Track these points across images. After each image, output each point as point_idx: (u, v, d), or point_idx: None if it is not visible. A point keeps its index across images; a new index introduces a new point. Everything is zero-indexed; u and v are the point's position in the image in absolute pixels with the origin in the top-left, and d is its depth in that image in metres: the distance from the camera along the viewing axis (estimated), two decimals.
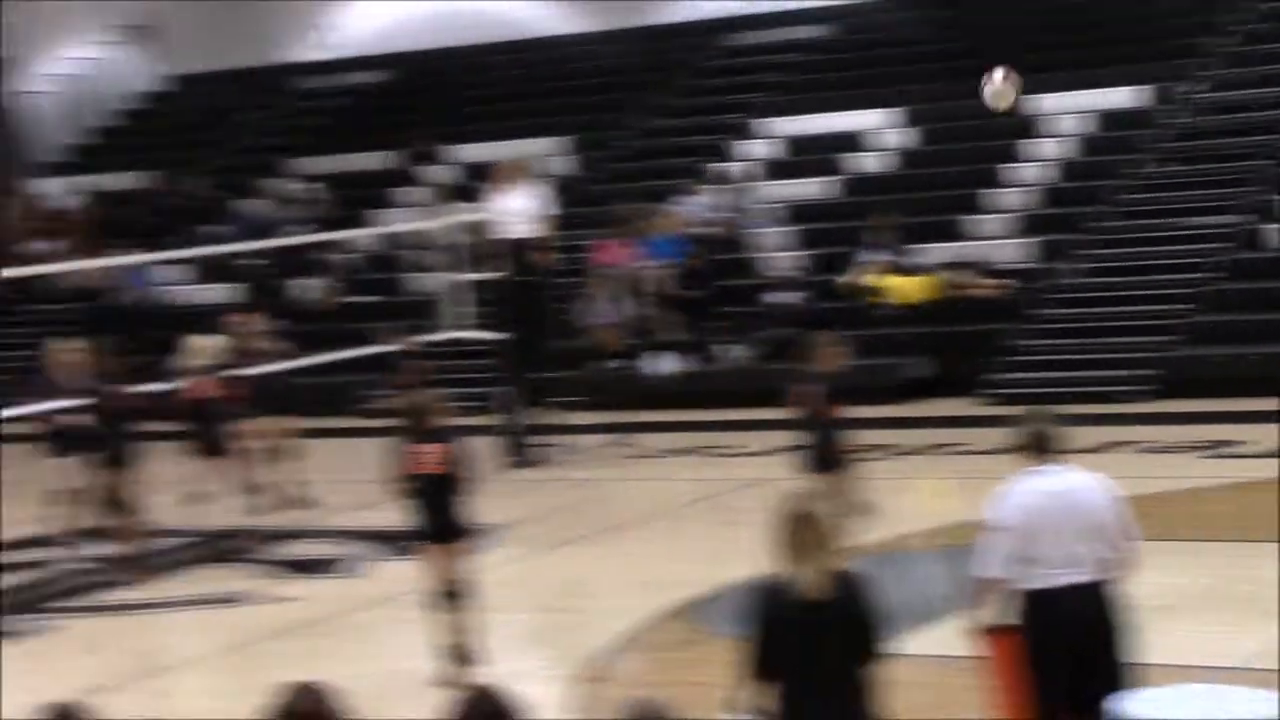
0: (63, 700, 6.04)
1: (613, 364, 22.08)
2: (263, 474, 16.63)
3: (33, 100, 32.61)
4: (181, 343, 16.40)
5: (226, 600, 13.53)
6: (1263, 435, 16.25)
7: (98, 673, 11.59)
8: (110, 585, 14.23)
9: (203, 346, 16.14)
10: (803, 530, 6.43)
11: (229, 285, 25.75)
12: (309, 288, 24.99)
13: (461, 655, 10.65)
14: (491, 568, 13.13)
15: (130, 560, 14.39)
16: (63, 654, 12.39)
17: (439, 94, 29.20)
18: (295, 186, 26.76)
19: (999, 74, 12.91)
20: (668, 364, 21.78)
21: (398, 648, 11.83)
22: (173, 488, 16.52)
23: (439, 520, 10.73)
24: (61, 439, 14.85)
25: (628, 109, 27.14)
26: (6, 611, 13.57)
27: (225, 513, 15.91)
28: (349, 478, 17.08)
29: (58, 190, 29.73)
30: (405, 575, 12.64)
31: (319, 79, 31.12)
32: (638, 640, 11.51)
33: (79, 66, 32.45)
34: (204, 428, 15.88)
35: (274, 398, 16.89)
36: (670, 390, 21.33)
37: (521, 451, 18.50)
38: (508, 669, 10.63)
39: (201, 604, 13.60)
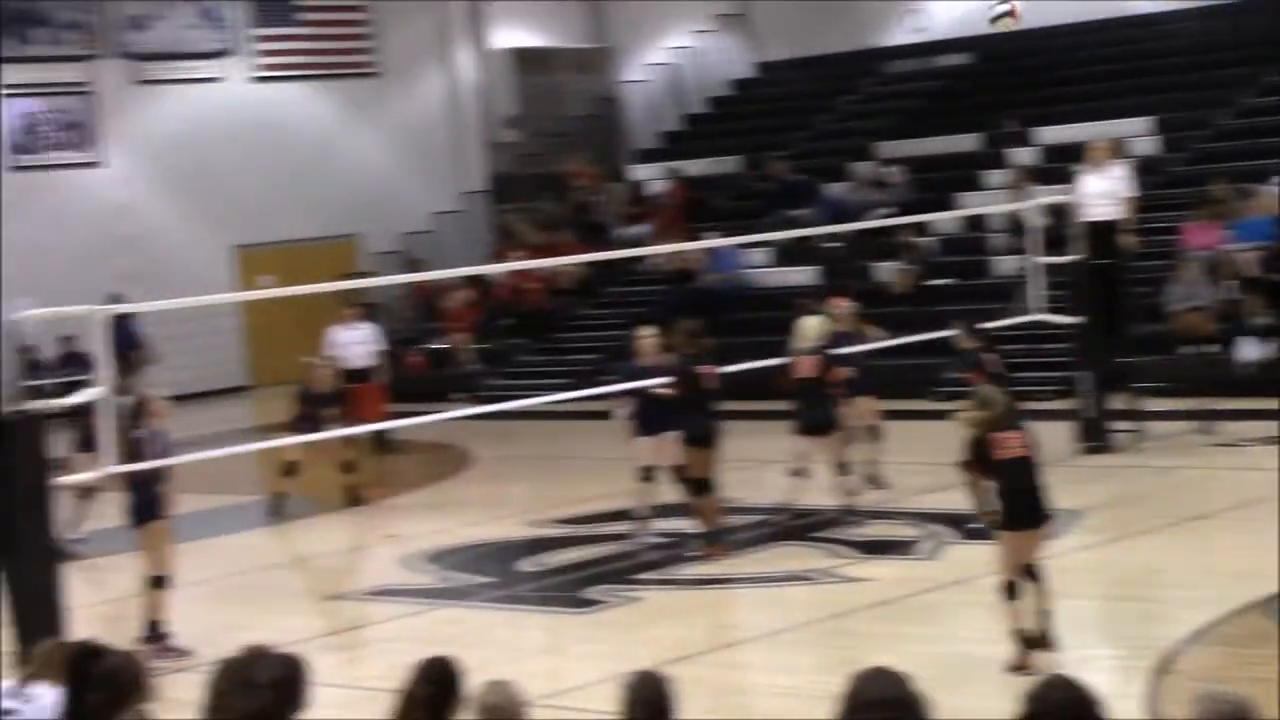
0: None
1: (1199, 349, 21.42)
2: (856, 454, 16.78)
3: (632, 89, 33.93)
4: (797, 324, 16.53)
5: (799, 578, 13.80)
6: None
7: (673, 644, 12.03)
8: (689, 560, 14.71)
9: (811, 327, 16.29)
10: None
11: (811, 268, 26.15)
12: (889, 270, 25.14)
13: (1035, 641, 10.58)
14: (1065, 553, 13.01)
15: (711, 536, 14.81)
16: (640, 624, 12.88)
17: (1022, 75, 28.95)
18: (882, 169, 26.95)
19: None
20: (1253, 350, 20.98)
21: (968, 631, 11.83)
22: (767, 465, 16.93)
23: (1022, 505, 10.68)
24: (648, 418, 15.41)
25: (1220, 87, 26.22)
26: (591, 582, 14.22)
27: (815, 491, 16.15)
28: (923, 460, 17.16)
29: (651, 175, 30.79)
30: (976, 559, 12.67)
31: (906, 63, 31.30)
32: (1211, 633, 11.19)
33: (675, 56, 33.57)
34: (808, 407, 16.00)
35: (866, 379, 17.08)
36: (1256, 377, 20.53)
37: (1099, 436, 18.17)
38: (1079, 656, 10.53)
39: (775, 581, 13.91)
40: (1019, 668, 10.34)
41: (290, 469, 18.29)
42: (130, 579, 13.85)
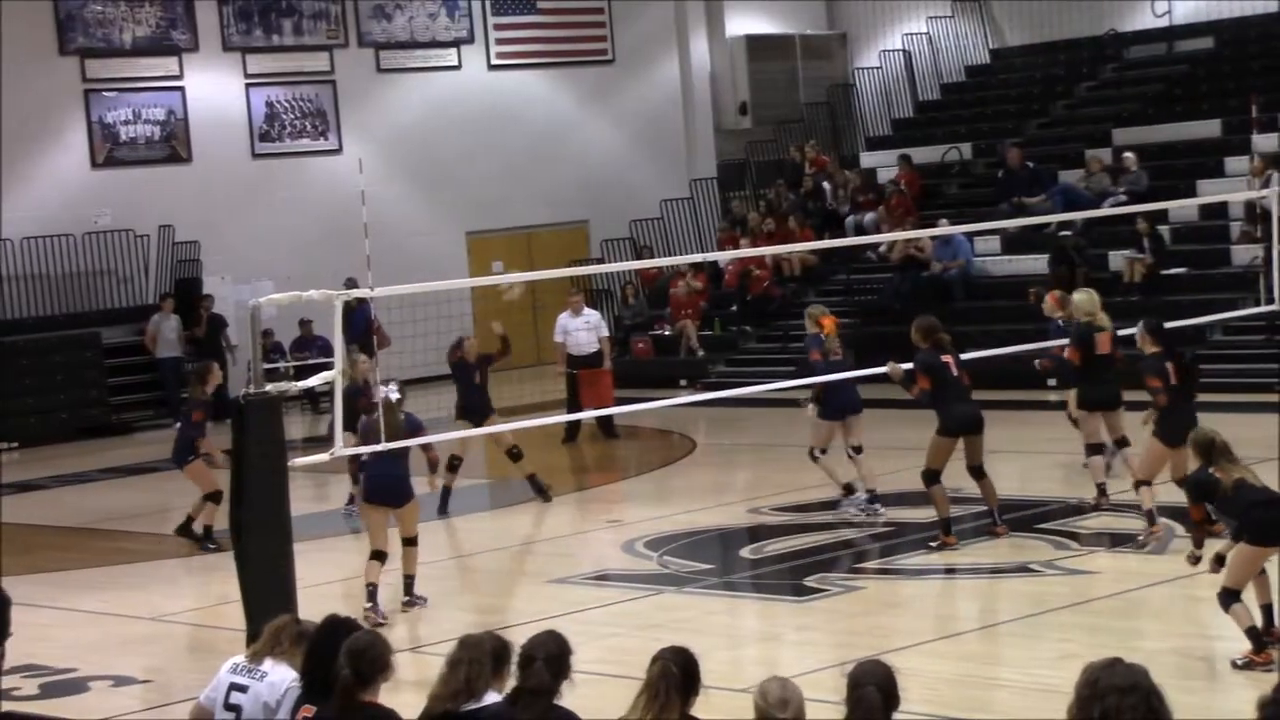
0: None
1: None
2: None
3: (866, 76, 33.76)
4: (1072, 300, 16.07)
5: (1022, 570, 13.66)
6: None
7: (891, 634, 12.01)
8: (913, 550, 14.65)
9: (1089, 301, 15.71)
10: None
11: (1042, 256, 25.80)
12: (1126, 259, 24.69)
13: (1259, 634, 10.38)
14: None
15: (939, 525, 14.69)
16: (859, 614, 12.86)
17: (1263, 60, 28.27)
18: (1127, 156, 26.47)
19: None
20: None
21: (1191, 627, 11.66)
22: (995, 455, 16.79)
23: (1266, 518, 10.43)
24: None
25: None
26: (810, 570, 14.23)
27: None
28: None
29: (882, 162, 30.62)
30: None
31: (1146, 48, 30.74)
32: None
33: (910, 42, 33.33)
34: (1102, 382, 15.45)
35: None
36: None
37: None
38: None
39: (996, 573, 13.80)
40: (1250, 665, 10.17)
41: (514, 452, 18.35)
42: (359, 560, 14.19)
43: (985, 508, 14.87)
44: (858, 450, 16.17)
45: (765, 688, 6.18)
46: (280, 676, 7.53)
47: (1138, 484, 14.02)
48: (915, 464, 15.08)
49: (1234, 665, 10.31)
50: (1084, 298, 15.56)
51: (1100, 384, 15.18)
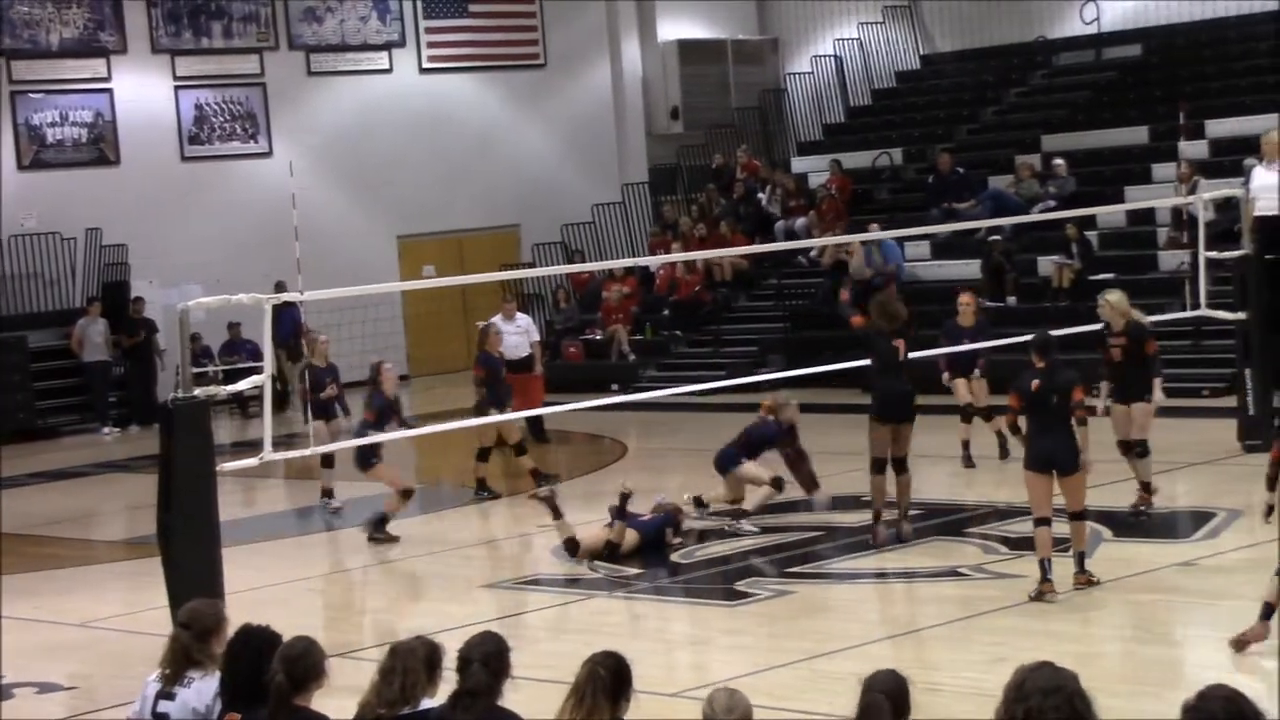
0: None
1: None
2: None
3: (797, 81, 33.83)
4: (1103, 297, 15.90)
5: (950, 574, 13.70)
6: None
7: (820, 638, 12.02)
8: (840, 554, 14.69)
9: (1122, 301, 15.56)
10: None
11: (972, 262, 25.92)
12: (1055, 264, 24.83)
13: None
14: (1225, 552, 12.83)
15: (873, 530, 14.72)
16: (789, 617, 12.86)
17: (1191, 67, 28.51)
18: (1056, 162, 26.62)
19: None
20: None
21: (1116, 630, 11.74)
22: (928, 459, 16.85)
23: None
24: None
25: None
26: (741, 574, 14.23)
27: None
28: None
29: (813, 167, 30.69)
30: (1129, 557, 12.50)
31: (1075, 55, 30.95)
32: None
33: (841, 48, 33.43)
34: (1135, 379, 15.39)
35: None
36: None
37: (1263, 434, 17.82)
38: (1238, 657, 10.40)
39: (925, 577, 13.84)
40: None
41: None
42: (288, 566, 14.10)
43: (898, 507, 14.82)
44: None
45: (713, 697, 6.20)
46: (209, 683, 7.45)
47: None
48: (849, 468, 15.10)
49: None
50: (1119, 297, 15.43)
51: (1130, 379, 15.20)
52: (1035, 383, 12.60)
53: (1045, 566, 12.34)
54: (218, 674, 7.38)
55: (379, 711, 6.67)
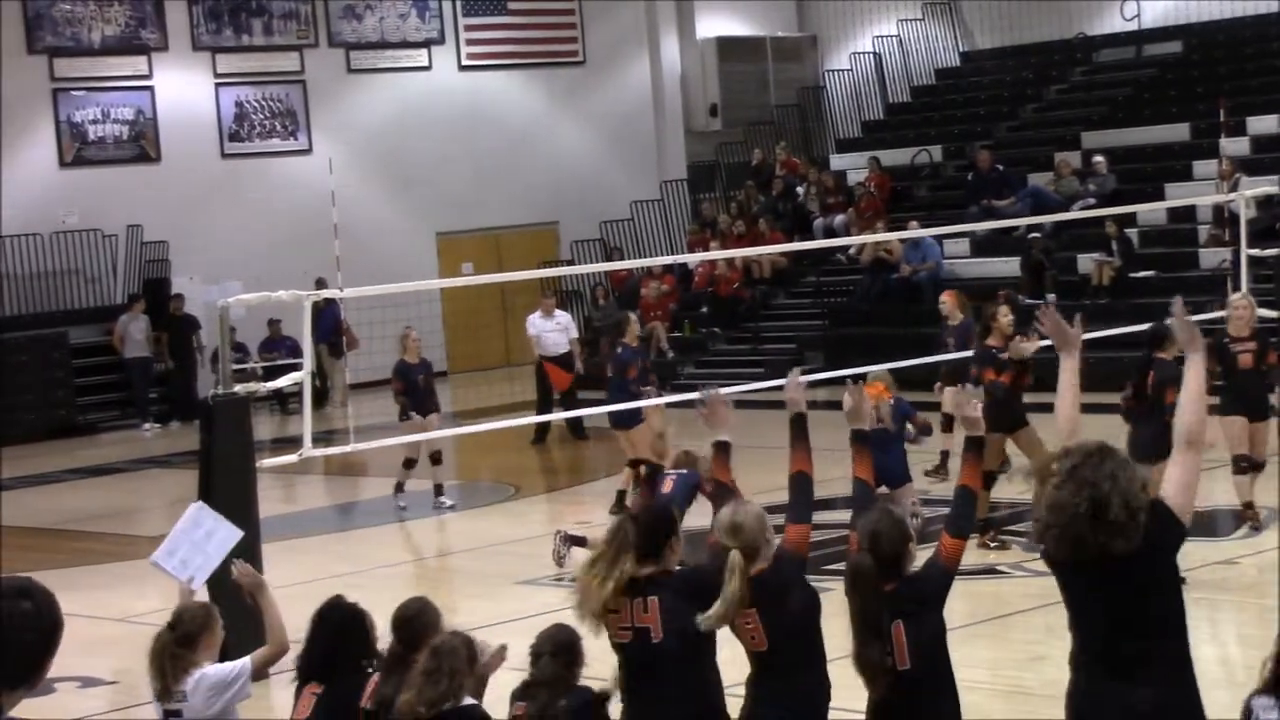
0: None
1: None
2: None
3: (836, 78, 33.79)
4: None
5: (989, 572, 13.68)
6: None
7: None
8: None
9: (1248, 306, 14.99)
10: None
11: (1009, 259, 25.85)
12: (1095, 262, 24.75)
13: None
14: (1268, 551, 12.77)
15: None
16: (827, 614, 12.81)
17: (1232, 64, 28.39)
18: (1097, 159, 26.55)
19: None
20: None
21: None
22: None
23: None
24: None
25: None
26: None
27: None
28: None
29: (852, 165, 30.65)
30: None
31: (1115, 52, 30.84)
32: None
33: (880, 45, 33.38)
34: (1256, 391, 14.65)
35: None
36: None
37: None
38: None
39: (963, 575, 13.74)
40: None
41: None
42: (328, 562, 14.14)
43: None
44: None
45: (720, 515, 6.42)
46: (197, 682, 7.36)
47: None
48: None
49: None
50: (1251, 300, 14.84)
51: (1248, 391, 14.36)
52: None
53: None
54: (200, 667, 7.35)
55: (418, 710, 6.70)
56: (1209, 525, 14.87)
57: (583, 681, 6.91)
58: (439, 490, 18.22)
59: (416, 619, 7.13)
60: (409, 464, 18.09)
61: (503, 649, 7.13)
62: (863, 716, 6.70)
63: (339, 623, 7.19)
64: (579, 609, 6.77)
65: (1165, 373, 12.51)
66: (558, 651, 6.81)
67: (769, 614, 6.57)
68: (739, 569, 6.42)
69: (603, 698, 6.86)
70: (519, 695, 6.87)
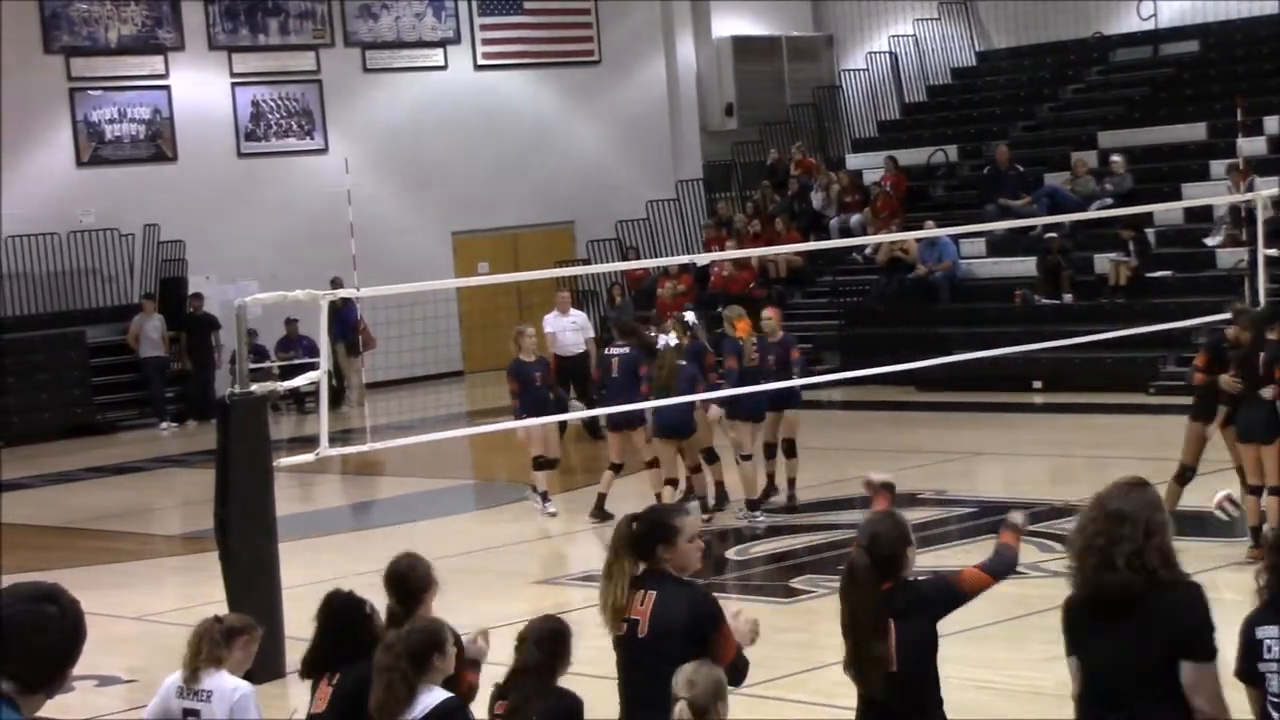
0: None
1: None
2: None
3: (852, 77, 33.76)
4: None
5: None
6: None
7: None
8: None
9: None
10: None
11: (1026, 259, 25.82)
12: (1111, 261, 24.72)
13: None
14: None
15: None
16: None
17: (1249, 64, 28.34)
18: (1114, 159, 26.50)
19: None
20: None
21: None
22: (978, 458, 16.79)
23: None
24: None
25: None
26: (796, 571, 14.21)
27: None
28: (1142, 455, 16.87)
29: (868, 164, 30.63)
30: (1192, 557, 12.37)
31: (1132, 51, 30.79)
32: None
33: (896, 44, 33.35)
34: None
35: None
36: None
37: None
38: None
39: None
40: None
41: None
42: (345, 561, 14.13)
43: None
44: (780, 450, 16.34)
45: (680, 670, 6.17)
46: (224, 687, 7.47)
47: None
48: (912, 464, 15.05)
49: None
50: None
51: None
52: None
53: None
54: (230, 676, 7.45)
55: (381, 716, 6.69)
56: (1223, 526, 14.81)
57: (584, 683, 6.90)
58: (545, 496, 17.67)
59: (410, 575, 7.40)
60: (548, 464, 17.58)
61: (484, 633, 7.29)
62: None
63: (344, 612, 7.29)
64: (600, 609, 6.86)
65: (1276, 351, 12.82)
66: (542, 640, 6.82)
67: None
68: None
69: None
70: (499, 695, 6.85)
